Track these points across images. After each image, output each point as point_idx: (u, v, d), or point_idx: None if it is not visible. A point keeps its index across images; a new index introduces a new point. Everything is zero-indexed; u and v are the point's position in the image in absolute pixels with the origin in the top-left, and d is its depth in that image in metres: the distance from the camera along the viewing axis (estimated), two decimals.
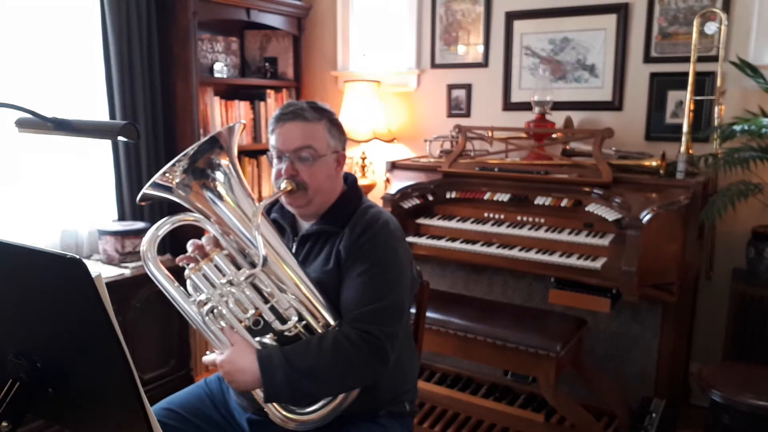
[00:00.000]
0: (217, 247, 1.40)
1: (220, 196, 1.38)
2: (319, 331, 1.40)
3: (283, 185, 1.46)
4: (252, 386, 1.35)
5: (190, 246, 1.42)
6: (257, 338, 1.37)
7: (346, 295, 1.43)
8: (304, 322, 1.39)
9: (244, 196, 1.40)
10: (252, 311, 1.36)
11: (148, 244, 1.36)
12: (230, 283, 1.36)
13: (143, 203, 1.40)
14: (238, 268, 1.39)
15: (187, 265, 1.40)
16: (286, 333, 1.38)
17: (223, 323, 1.36)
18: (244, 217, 1.38)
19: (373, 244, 1.45)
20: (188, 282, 1.39)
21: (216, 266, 1.38)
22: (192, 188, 1.36)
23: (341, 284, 1.45)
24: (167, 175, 1.33)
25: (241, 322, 1.36)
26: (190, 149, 1.33)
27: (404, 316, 1.46)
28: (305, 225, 1.57)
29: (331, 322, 1.41)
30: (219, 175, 1.37)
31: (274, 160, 1.51)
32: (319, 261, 1.50)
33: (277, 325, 1.37)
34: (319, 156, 1.47)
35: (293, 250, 1.54)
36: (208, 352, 1.44)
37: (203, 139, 1.35)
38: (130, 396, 0.90)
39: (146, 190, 1.34)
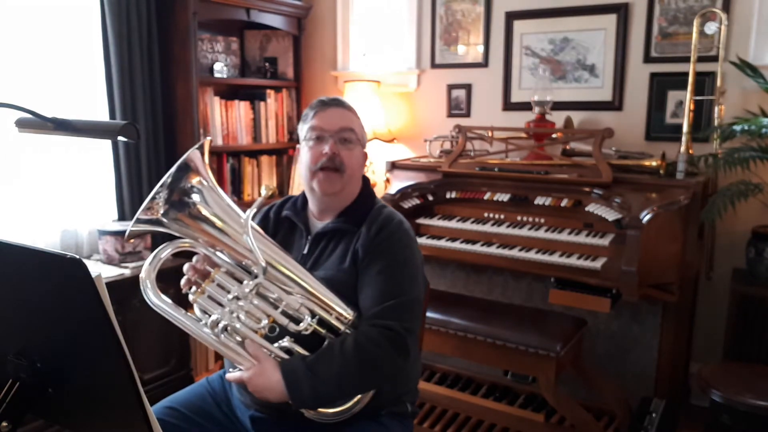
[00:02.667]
0: (214, 266, 1.39)
1: (204, 218, 1.33)
2: (333, 323, 1.41)
3: (263, 192, 1.39)
4: (281, 400, 1.35)
5: (187, 270, 1.41)
6: (276, 344, 1.38)
7: (365, 292, 1.45)
8: (317, 318, 1.40)
9: (226, 209, 1.35)
10: (265, 320, 1.36)
11: (146, 272, 1.35)
12: (237, 298, 1.35)
13: (131, 240, 1.38)
14: (240, 281, 1.38)
15: (190, 289, 1.39)
16: (302, 332, 1.38)
17: (239, 338, 1.36)
18: (234, 230, 1.35)
19: (390, 242, 1.48)
20: (195, 306, 1.38)
21: (219, 285, 1.37)
22: (177, 218, 1.32)
23: (356, 282, 1.47)
24: (149, 209, 1.30)
25: (256, 332, 1.36)
26: (166, 178, 1.28)
27: (421, 312, 1.48)
28: (318, 224, 1.58)
29: (343, 312, 1.42)
30: (196, 197, 1.32)
31: (311, 143, 1.52)
32: (333, 259, 1.51)
33: (292, 327, 1.37)
34: (357, 141, 1.54)
35: (306, 249, 1.55)
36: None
37: (172, 169, 1.28)
38: (130, 396, 0.90)
39: (132, 227, 1.32)
